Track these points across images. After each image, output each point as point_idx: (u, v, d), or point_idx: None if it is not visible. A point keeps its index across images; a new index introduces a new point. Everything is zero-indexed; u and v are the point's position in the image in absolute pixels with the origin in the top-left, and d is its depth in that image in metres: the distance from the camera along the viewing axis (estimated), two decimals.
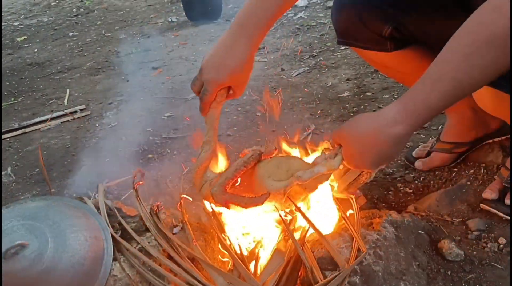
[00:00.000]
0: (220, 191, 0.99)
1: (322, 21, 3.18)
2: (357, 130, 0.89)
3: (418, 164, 1.46)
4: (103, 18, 4.69)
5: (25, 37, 4.39)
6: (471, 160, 1.42)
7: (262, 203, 0.96)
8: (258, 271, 0.97)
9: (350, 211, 1.05)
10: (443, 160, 1.43)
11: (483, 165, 1.38)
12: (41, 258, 0.90)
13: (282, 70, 2.53)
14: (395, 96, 2.05)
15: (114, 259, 0.97)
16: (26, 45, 4.12)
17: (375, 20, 1.16)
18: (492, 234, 1.14)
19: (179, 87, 2.57)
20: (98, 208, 1.10)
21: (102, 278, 0.93)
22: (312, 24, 3.15)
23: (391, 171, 1.51)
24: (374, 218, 1.09)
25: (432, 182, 1.40)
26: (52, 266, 0.90)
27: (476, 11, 0.73)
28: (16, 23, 4.98)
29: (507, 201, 1.18)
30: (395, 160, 1.54)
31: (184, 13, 4.04)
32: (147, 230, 1.06)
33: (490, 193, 1.21)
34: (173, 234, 1.05)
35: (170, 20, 4.14)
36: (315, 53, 2.67)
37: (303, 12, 3.46)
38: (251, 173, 1.05)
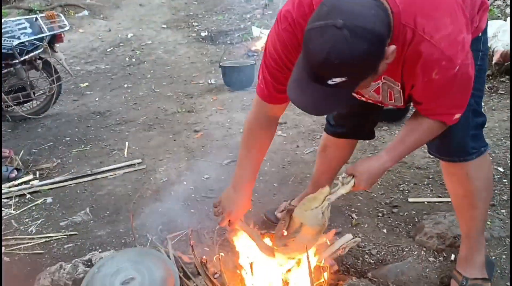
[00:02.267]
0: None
1: None
2: (368, 166, 1.49)
3: None
4: (152, 71, 5.50)
5: (87, 83, 5.22)
6: (418, 243, 2.06)
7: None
8: None
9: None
10: None
11: (424, 248, 2.02)
12: None
13: (297, 146, 3.22)
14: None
15: None
16: (88, 93, 4.93)
17: None
18: None
19: (216, 152, 3.27)
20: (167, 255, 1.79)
21: None
22: None
23: (363, 244, 2.15)
24: (340, 281, 1.74)
25: (388, 256, 2.04)
26: None
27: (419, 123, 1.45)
28: (78, 68, 5.85)
29: None
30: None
31: (221, 76, 4.81)
32: (199, 274, 1.73)
33: None
34: (215, 278, 1.72)
35: (209, 82, 4.90)
36: None
37: None
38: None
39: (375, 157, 1.51)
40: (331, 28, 1.09)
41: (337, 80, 1.13)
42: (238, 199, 1.74)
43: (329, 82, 1.14)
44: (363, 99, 1.62)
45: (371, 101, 1.61)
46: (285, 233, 1.65)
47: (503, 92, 3.76)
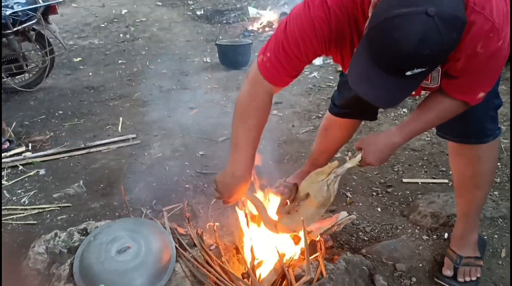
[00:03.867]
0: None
1: (331, 84, 3.86)
2: (375, 139, 1.45)
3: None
4: (146, 48, 5.43)
5: (80, 58, 5.14)
6: (412, 222, 2.08)
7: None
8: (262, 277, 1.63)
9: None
10: None
11: (418, 227, 2.04)
12: (138, 255, 1.57)
13: (293, 126, 3.21)
14: None
15: (176, 261, 1.63)
16: (81, 67, 4.86)
17: None
18: (409, 274, 1.79)
19: (211, 129, 3.25)
20: (163, 226, 1.78)
21: (170, 272, 1.59)
22: (323, 86, 3.83)
23: (358, 222, 2.16)
24: (335, 255, 1.75)
25: (382, 234, 2.06)
26: (144, 261, 1.57)
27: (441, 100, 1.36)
28: (71, 42, 5.75)
29: (460, 279, 1.75)
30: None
31: (217, 54, 4.76)
32: (195, 245, 1.73)
33: (447, 271, 1.77)
34: (210, 250, 1.72)
35: (205, 60, 4.85)
36: (320, 114, 3.34)
37: (317, 71, 4.15)
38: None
39: (385, 131, 1.47)
40: (421, 16, 0.99)
41: (417, 70, 1.06)
42: (237, 185, 1.60)
43: (408, 73, 1.06)
44: None
45: None
46: (289, 203, 1.67)
47: None
